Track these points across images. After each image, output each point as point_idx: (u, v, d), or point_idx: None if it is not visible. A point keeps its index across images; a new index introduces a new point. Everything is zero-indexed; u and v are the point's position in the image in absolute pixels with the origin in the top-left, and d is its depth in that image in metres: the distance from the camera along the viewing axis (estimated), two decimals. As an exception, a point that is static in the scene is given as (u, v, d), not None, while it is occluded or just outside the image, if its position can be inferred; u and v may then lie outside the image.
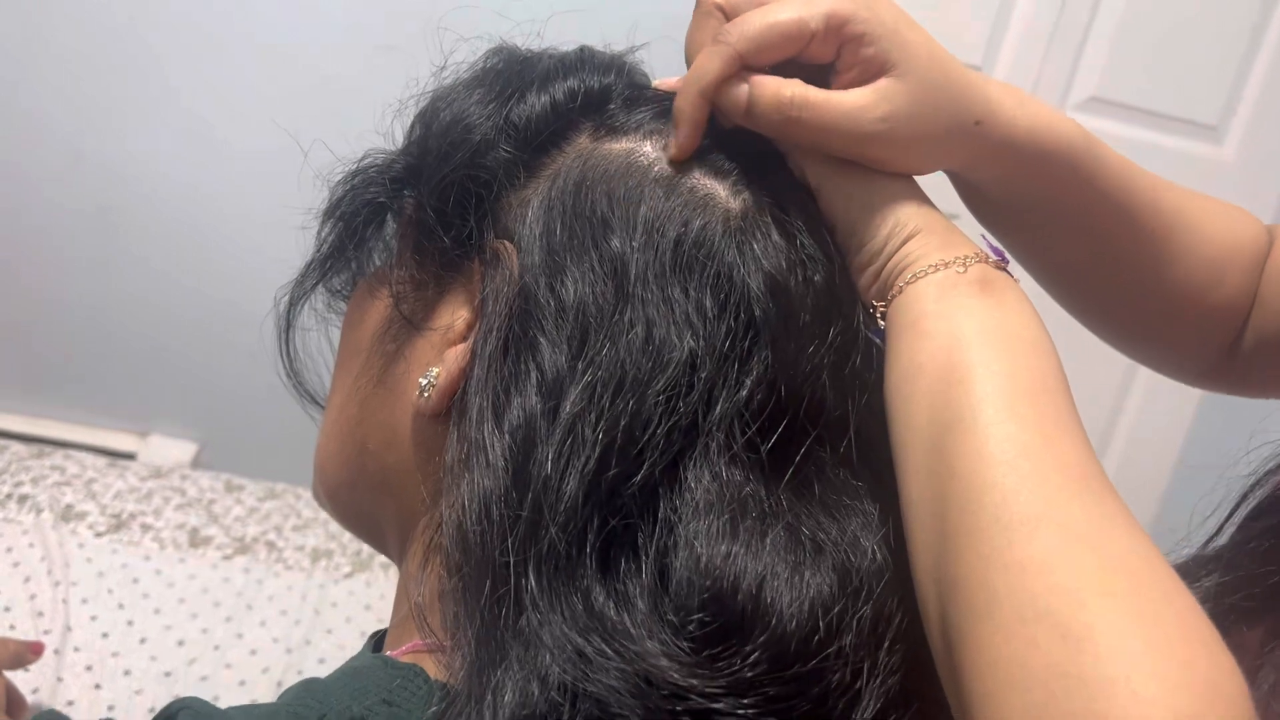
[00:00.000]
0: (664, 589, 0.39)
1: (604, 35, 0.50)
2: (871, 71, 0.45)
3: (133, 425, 1.86)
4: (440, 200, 0.47)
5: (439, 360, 0.46)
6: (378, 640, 0.52)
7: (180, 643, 1.14)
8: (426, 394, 0.46)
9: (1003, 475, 0.36)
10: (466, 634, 0.39)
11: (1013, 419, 0.37)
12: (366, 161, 0.50)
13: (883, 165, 0.46)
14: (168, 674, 1.10)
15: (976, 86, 0.47)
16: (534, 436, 0.41)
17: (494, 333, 0.44)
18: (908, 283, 0.43)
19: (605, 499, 0.40)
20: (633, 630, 0.38)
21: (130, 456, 1.81)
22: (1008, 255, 0.46)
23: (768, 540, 0.40)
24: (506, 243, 0.45)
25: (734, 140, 0.47)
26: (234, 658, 1.14)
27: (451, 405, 0.45)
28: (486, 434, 0.42)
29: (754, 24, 0.44)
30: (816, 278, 0.44)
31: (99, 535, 1.26)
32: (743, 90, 0.45)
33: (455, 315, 0.47)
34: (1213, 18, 1.83)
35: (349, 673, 0.43)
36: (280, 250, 0.52)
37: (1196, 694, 0.30)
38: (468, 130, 0.47)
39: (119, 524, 1.29)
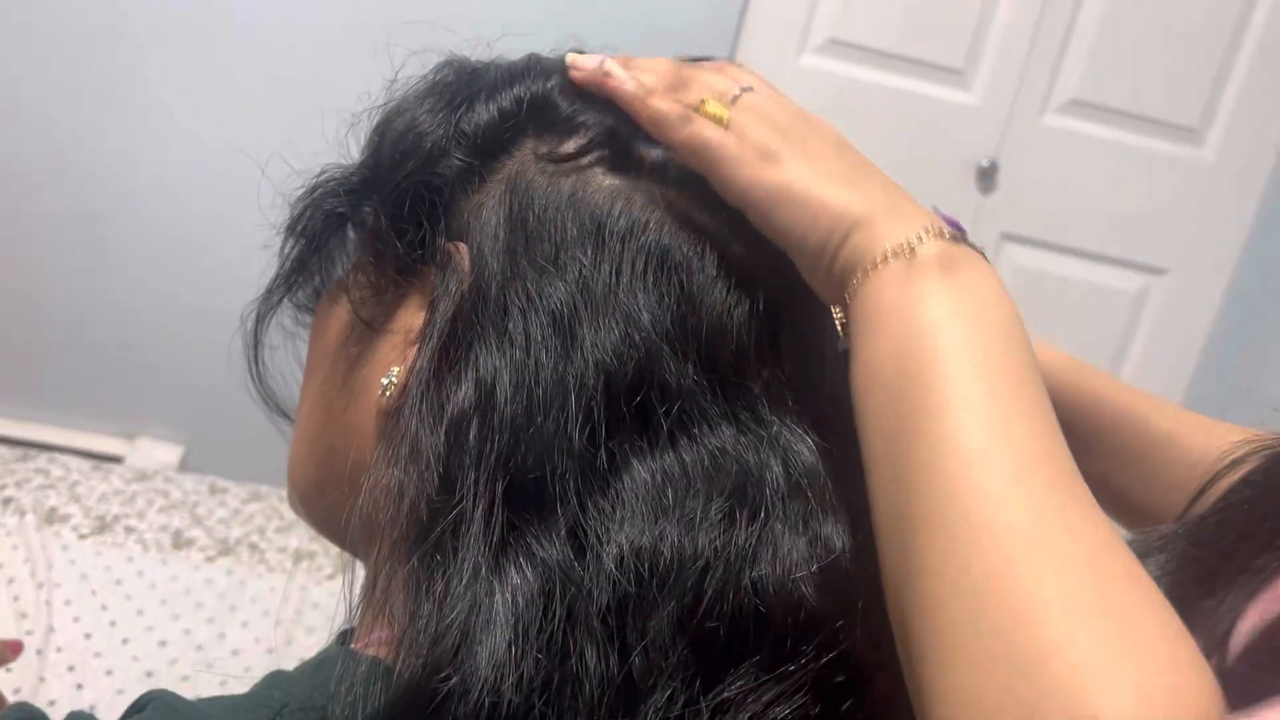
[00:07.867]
0: None
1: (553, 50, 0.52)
2: None
3: (120, 428, 1.87)
4: (395, 206, 0.48)
5: (401, 360, 0.48)
6: (346, 633, 0.53)
7: (162, 643, 1.15)
8: (387, 392, 0.47)
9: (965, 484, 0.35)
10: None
11: (974, 424, 0.36)
12: (325, 176, 0.52)
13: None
14: (150, 674, 1.11)
15: None
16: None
17: (439, 333, 0.45)
18: (860, 282, 0.41)
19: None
20: None
21: (118, 459, 1.82)
22: (963, 225, 0.43)
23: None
24: (460, 244, 0.47)
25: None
26: (216, 658, 1.16)
27: None
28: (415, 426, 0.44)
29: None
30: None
31: (82, 537, 1.27)
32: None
33: (414, 317, 0.49)
34: (1193, 21, 1.84)
35: (314, 665, 0.44)
36: (267, 253, 0.53)
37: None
38: (419, 138, 0.49)
39: (103, 526, 1.30)
